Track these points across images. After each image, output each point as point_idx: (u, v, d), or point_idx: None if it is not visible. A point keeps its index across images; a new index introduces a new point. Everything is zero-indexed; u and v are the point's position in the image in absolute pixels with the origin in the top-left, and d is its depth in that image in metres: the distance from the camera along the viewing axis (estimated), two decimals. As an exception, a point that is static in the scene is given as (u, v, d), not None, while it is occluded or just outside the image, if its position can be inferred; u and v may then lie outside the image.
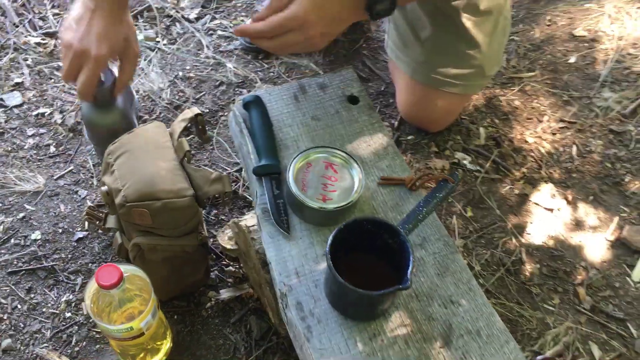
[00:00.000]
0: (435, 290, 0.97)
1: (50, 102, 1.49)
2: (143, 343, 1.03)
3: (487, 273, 1.25)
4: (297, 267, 0.97)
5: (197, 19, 1.67)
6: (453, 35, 1.29)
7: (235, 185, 1.35)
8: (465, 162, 1.42)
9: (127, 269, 0.95)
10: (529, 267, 1.27)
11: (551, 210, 1.35)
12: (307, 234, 1.01)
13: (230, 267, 1.25)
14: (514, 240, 1.31)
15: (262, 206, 1.03)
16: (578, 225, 1.33)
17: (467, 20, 1.27)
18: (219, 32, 1.64)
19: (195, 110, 1.13)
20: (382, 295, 0.86)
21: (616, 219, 1.34)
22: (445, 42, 1.30)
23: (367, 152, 1.12)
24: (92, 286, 0.94)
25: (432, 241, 1.02)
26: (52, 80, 1.53)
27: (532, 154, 1.44)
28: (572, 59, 1.61)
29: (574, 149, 1.45)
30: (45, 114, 1.46)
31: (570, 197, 1.37)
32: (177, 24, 1.66)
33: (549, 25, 1.68)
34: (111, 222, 1.13)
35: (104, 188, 1.06)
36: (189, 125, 1.13)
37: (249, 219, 1.15)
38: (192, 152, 1.43)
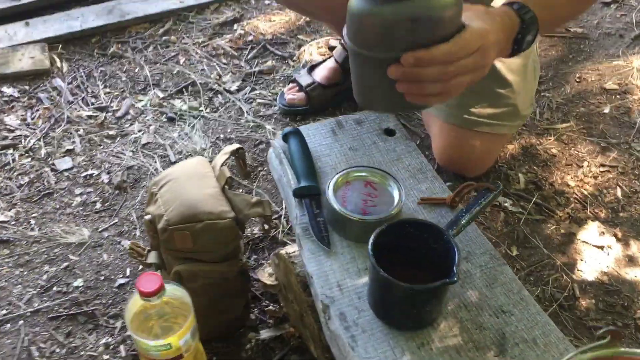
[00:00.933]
0: (484, 300, 0.93)
1: (99, 165, 1.55)
2: (182, 371, 0.99)
3: (539, 309, 1.19)
4: (339, 280, 0.95)
5: (238, 90, 1.76)
6: (485, 77, 1.33)
7: (275, 231, 1.35)
8: (506, 204, 1.40)
9: (167, 286, 0.95)
10: (584, 303, 1.20)
11: (601, 247, 1.30)
12: (348, 250, 1.00)
13: (271, 307, 1.22)
14: (565, 277, 1.25)
15: (302, 225, 1.03)
16: (631, 261, 1.28)
17: (496, 62, 1.31)
18: (259, 100, 1.72)
19: (236, 145, 1.17)
20: (428, 292, 0.83)
21: (672, 255, 1.28)
22: (478, 83, 1.34)
23: (406, 176, 1.12)
24: (133, 301, 0.93)
25: (477, 255, 0.99)
26: (102, 146, 1.60)
27: (575, 195, 1.42)
28: (606, 110, 1.62)
29: (619, 190, 1.43)
30: (93, 175, 1.52)
31: (619, 235, 1.33)
32: (219, 95, 1.75)
33: (578, 82, 1.71)
34: (152, 257, 1.13)
35: (147, 217, 1.08)
36: (231, 159, 1.17)
37: (289, 248, 1.14)
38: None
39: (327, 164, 1.13)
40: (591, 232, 1.34)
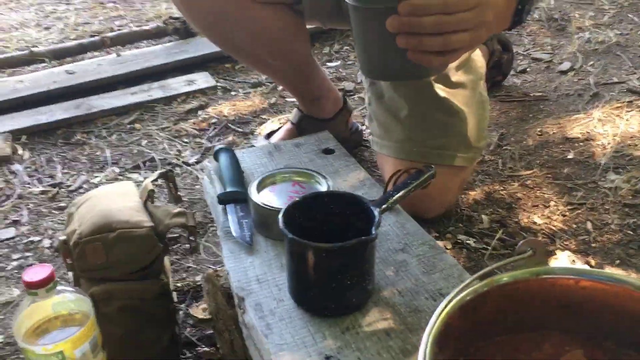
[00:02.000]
0: (421, 286, 0.82)
1: (42, 232, 1.48)
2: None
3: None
4: (259, 274, 0.85)
5: (197, 162, 1.73)
6: (430, 107, 1.31)
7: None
8: (469, 242, 1.30)
9: (68, 294, 0.84)
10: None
11: (573, 275, 1.19)
12: (273, 248, 0.91)
13: (205, 349, 1.08)
14: (534, 304, 1.12)
15: (225, 229, 0.95)
16: (608, 286, 1.15)
17: (440, 91, 1.30)
18: (216, 169, 1.68)
19: (167, 168, 1.11)
20: (343, 252, 0.73)
21: (652, 277, 1.16)
22: (424, 114, 1.31)
23: (344, 186, 1.05)
24: (23, 304, 0.82)
25: (415, 245, 0.90)
26: (49, 217, 1.54)
27: (544, 231, 1.32)
28: (570, 155, 1.57)
29: (589, 224, 1.33)
30: (35, 241, 1.45)
31: (593, 262, 1.21)
32: (176, 168, 1.72)
33: (540, 135, 1.68)
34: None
35: (62, 237, 0.99)
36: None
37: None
38: (177, 257, 1.36)
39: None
40: (562, 262, 1.22)
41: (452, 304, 0.55)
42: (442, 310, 0.54)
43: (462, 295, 0.56)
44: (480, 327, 0.59)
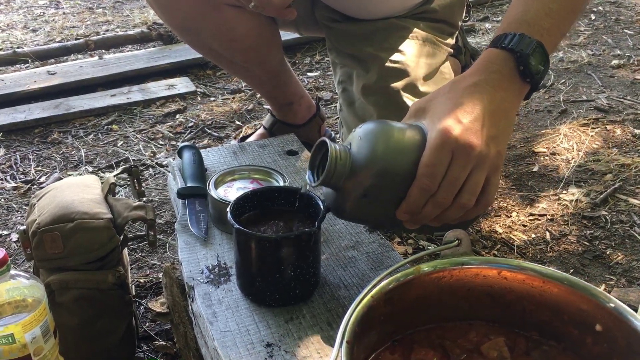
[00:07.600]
0: (367, 281, 0.84)
1: (11, 226, 1.49)
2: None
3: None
4: (211, 265, 0.87)
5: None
6: (397, 115, 1.32)
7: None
8: (430, 247, 1.33)
9: (22, 280, 0.86)
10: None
11: (528, 282, 1.21)
12: (228, 241, 0.93)
13: (162, 342, 1.10)
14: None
15: (182, 222, 0.97)
16: (560, 293, 1.18)
17: (408, 100, 1.33)
18: (188, 171, 1.70)
19: (131, 163, 1.13)
20: (285, 243, 0.75)
21: (602, 287, 1.19)
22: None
23: (303, 185, 1.07)
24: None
25: (365, 244, 0.92)
26: (19, 212, 1.55)
27: (503, 240, 1.35)
28: (535, 169, 1.60)
29: (547, 234, 1.36)
30: (3, 235, 1.46)
31: (548, 271, 1.24)
32: (150, 169, 1.74)
33: (508, 149, 1.71)
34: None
35: (22, 227, 1.01)
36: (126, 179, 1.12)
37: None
38: (142, 254, 1.37)
39: (222, 177, 1.09)
40: (518, 269, 1.25)
41: (376, 289, 0.57)
42: (366, 294, 0.56)
43: (386, 281, 0.58)
44: (407, 315, 0.61)
